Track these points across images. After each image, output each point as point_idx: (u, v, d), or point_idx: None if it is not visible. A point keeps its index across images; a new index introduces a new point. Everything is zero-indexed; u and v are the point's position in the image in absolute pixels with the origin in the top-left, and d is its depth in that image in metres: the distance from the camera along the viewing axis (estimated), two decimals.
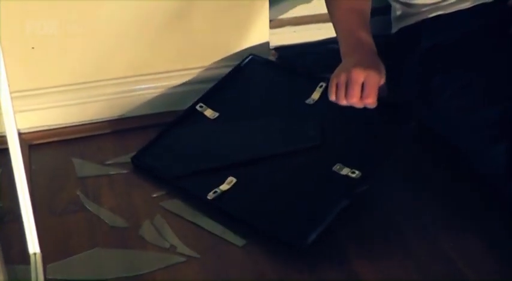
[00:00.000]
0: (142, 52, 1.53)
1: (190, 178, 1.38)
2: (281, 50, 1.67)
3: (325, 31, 1.61)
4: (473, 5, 1.45)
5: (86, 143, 1.50)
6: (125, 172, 1.42)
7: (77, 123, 1.52)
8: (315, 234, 1.23)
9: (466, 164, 1.36)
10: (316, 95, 1.46)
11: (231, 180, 1.35)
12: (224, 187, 1.34)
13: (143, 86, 1.55)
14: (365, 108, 1.29)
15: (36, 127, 1.50)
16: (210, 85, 1.50)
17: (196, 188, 1.36)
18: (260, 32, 1.58)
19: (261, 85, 1.55)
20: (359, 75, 1.28)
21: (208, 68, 1.57)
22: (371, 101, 1.28)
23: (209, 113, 1.50)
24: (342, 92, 1.29)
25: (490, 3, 1.46)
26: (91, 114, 1.53)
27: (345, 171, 1.32)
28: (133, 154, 1.44)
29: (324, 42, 1.68)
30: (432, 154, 1.44)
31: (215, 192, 1.33)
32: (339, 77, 1.30)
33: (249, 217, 1.30)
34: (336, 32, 1.41)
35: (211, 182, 1.35)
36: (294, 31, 1.70)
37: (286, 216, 1.29)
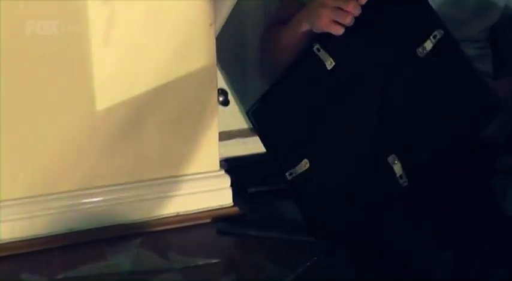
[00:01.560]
0: (92, 165, 1.53)
1: None
2: (231, 161, 1.69)
3: None
4: None
5: (35, 257, 1.47)
6: None
7: (26, 238, 1.50)
8: None
9: (412, 272, 1.36)
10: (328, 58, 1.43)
11: None
12: None
13: (93, 200, 1.54)
14: None
15: None
16: (161, 195, 1.50)
17: None
18: (210, 144, 1.60)
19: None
20: None
21: (157, 180, 1.58)
22: None
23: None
24: (340, 13, 1.35)
25: None
26: (40, 229, 1.50)
27: None
28: (83, 267, 1.43)
29: None
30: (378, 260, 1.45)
31: None
32: (322, 14, 1.36)
33: None
34: (287, 43, 1.48)
35: None
36: (244, 142, 1.73)
37: None
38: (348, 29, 1.37)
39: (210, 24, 1.53)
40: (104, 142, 1.52)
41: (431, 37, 1.31)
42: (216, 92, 1.59)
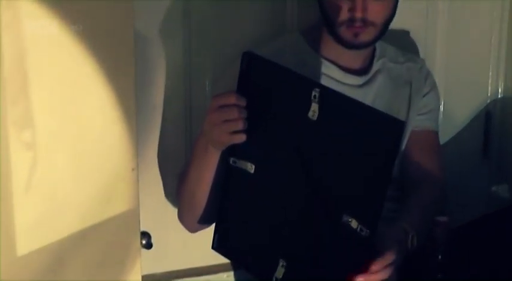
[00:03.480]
0: None
1: None
2: None
3: None
4: None
5: None
6: None
7: None
8: None
9: None
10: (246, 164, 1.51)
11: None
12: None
13: None
14: None
15: None
16: None
17: None
18: None
19: None
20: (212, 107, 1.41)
21: None
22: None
23: None
24: (231, 124, 1.41)
25: None
26: None
27: None
28: None
29: None
30: None
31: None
32: (217, 133, 1.41)
33: None
34: (202, 177, 1.56)
35: None
36: None
37: None
38: (246, 128, 1.43)
39: (133, 169, 1.55)
40: None
41: (312, 98, 1.35)
42: (139, 235, 1.59)
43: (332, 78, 1.73)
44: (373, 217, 1.38)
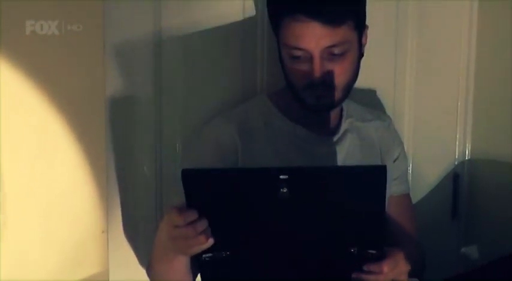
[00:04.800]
0: None
1: None
2: None
3: None
4: None
5: None
6: None
7: None
8: None
9: None
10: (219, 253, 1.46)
11: None
12: None
13: None
14: None
15: None
16: None
17: None
18: None
19: None
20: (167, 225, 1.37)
21: None
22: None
23: None
24: (192, 240, 1.36)
25: None
26: None
27: None
28: None
29: None
30: None
31: None
32: (181, 245, 1.37)
33: None
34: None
35: None
36: None
37: None
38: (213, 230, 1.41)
39: (103, 231, 1.55)
40: None
41: (278, 183, 1.36)
42: None
43: (301, 139, 1.75)
44: (379, 239, 1.43)
